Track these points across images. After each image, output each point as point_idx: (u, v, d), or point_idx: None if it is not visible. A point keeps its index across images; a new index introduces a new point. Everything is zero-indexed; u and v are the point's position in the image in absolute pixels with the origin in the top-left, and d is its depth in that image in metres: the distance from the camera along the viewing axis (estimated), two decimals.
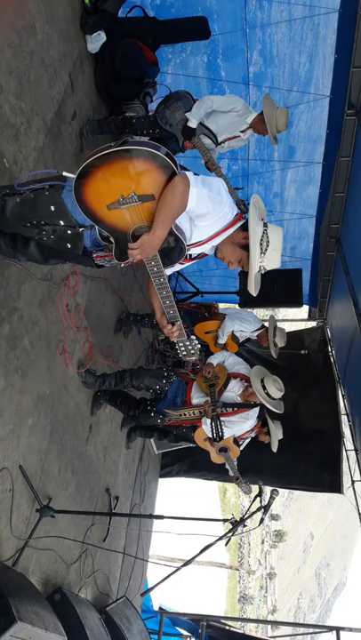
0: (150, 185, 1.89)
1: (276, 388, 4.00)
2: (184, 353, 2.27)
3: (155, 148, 1.84)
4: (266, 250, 2.23)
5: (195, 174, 2.02)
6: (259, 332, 5.40)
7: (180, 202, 1.92)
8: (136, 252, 1.98)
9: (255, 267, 2.27)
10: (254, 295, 2.35)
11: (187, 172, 1.96)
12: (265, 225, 2.25)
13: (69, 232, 2.17)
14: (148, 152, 1.83)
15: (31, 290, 3.24)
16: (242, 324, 5.31)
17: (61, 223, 2.15)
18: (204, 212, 2.07)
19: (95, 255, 2.27)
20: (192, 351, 2.26)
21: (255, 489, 4.25)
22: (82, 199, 1.92)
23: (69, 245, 2.22)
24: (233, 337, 5.44)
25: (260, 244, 2.22)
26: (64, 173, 2.05)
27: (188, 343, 2.24)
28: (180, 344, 2.24)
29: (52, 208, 2.12)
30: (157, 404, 4.31)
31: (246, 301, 6.50)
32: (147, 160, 1.84)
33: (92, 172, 1.86)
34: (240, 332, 5.39)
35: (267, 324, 5.39)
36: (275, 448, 4.17)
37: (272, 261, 2.27)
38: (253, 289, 2.33)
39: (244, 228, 2.25)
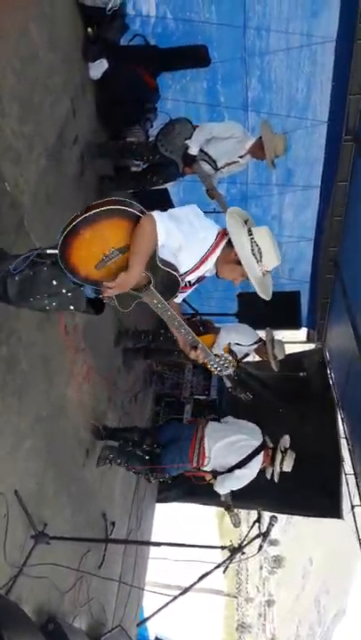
0: (124, 236, 2.02)
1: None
2: (219, 369, 2.38)
3: (113, 203, 1.95)
4: (260, 257, 2.26)
5: (162, 211, 2.10)
6: (256, 345, 5.35)
7: (148, 240, 2.01)
8: (111, 291, 2.10)
9: (257, 275, 2.30)
10: (268, 299, 2.37)
11: (152, 212, 2.03)
12: (250, 232, 2.27)
13: (69, 294, 2.25)
14: (109, 210, 1.95)
15: (30, 311, 3.22)
16: (238, 336, 5.21)
17: (64, 291, 2.23)
18: (178, 244, 2.13)
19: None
20: (225, 365, 2.36)
21: (253, 514, 4.20)
22: (71, 269, 2.05)
23: (72, 307, 2.31)
24: (230, 352, 5.36)
25: (253, 255, 2.25)
26: (48, 251, 2.14)
27: (218, 359, 2.34)
28: (212, 362, 2.34)
29: (54, 282, 2.20)
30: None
31: (244, 323, 6.48)
32: (111, 217, 1.97)
33: (71, 243, 1.99)
34: (236, 345, 5.29)
35: (263, 336, 5.35)
36: (276, 477, 4.17)
37: (270, 262, 2.30)
38: (263, 293, 2.34)
39: (232, 244, 2.26)
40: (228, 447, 4.14)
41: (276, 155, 4.25)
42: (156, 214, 2.03)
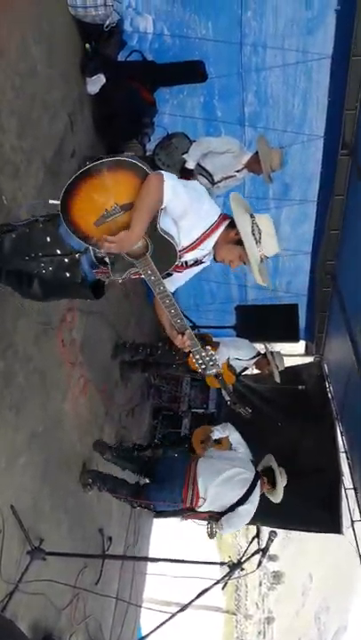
0: (129, 193, 1.95)
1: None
2: (203, 367, 2.15)
3: (123, 156, 1.93)
4: (260, 238, 2.24)
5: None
6: (255, 359, 5.35)
7: (154, 195, 1.94)
8: (113, 246, 1.98)
9: (256, 256, 2.25)
10: (264, 285, 2.33)
11: (161, 171, 1.98)
12: (252, 216, 2.27)
13: (66, 260, 2.21)
14: (116, 161, 1.91)
15: (27, 325, 3.22)
16: (237, 351, 5.19)
17: (58, 252, 2.19)
18: (183, 209, 2.06)
19: (95, 271, 2.27)
20: (210, 362, 2.14)
21: (252, 529, 4.15)
22: (70, 221, 1.99)
23: (68, 274, 2.24)
24: (229, 367, 5.34)
25: (253, 235, 2.22)
26: (50, 201, 2.11)
27: (204, 354, 2.13)
28: (197, 356, 2.13)
29: (48, 239, 2.18)
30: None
31: (242, 336, 6.48)
32: (120, 169, 1.93)
33: (75, 194, 1.93)
34: (236, 360, 5.29)
35: (262, 350, 5.36)
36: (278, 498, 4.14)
37: (270, 247, 2.28)
38: (261, 279, 2.28)
39: (233, 225, 2.25)
40: (225, 484, 3.96)
41: (272, 169, 4.28)
42: (164, 172, 1.97)
